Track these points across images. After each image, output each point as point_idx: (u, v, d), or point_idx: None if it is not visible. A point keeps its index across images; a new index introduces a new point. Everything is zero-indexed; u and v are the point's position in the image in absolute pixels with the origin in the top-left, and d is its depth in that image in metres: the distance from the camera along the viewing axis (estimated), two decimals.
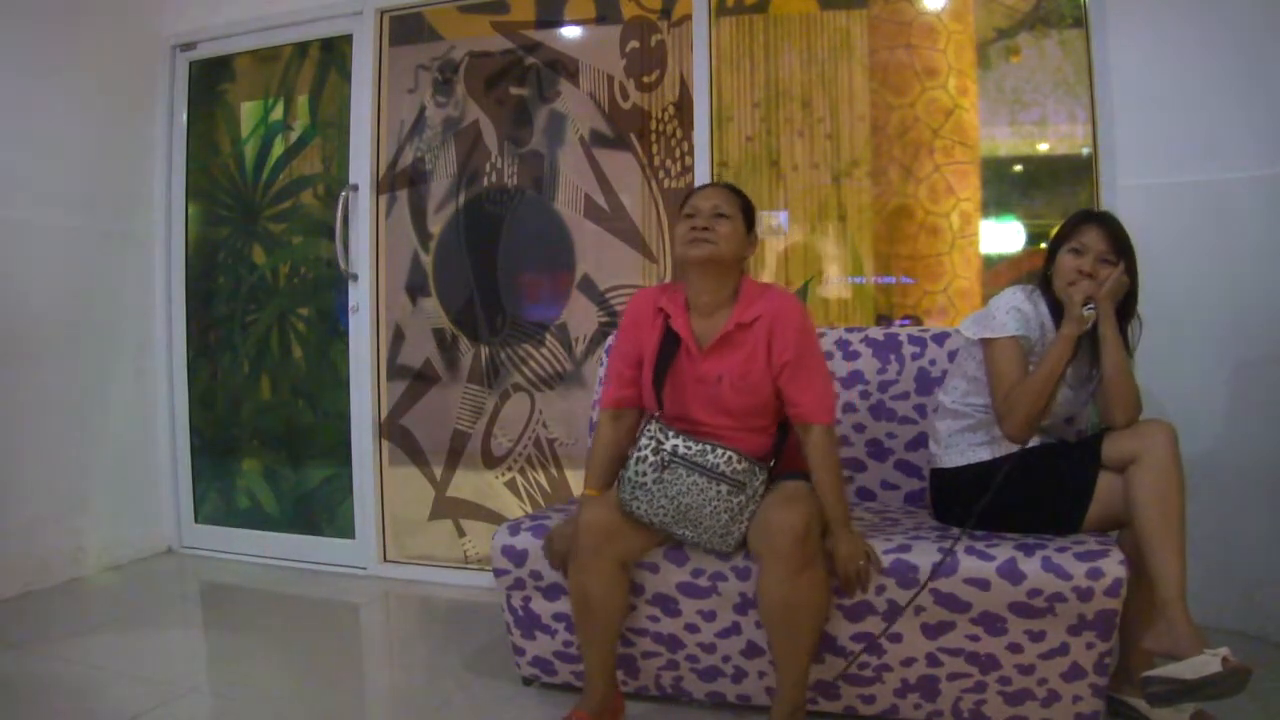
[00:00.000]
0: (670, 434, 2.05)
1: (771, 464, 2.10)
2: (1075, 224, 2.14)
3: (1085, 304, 2.03)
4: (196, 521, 3.83)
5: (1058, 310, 2.11)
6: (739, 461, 2.00)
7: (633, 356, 2.18)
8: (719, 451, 2.00)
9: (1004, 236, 3.01)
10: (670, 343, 2.13)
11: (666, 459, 2.01)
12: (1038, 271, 2.23)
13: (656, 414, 2.10)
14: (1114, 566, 1.87)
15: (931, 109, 2.99)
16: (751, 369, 2.08)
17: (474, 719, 2.27)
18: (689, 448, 2.02)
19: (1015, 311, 2.12)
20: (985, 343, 2.15)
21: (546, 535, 2.19)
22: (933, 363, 2.55)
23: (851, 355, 2.62)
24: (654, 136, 3.21)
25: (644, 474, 2.02)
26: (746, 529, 2.02)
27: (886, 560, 2.00)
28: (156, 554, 3.76)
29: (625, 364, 2.20)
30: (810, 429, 2.07)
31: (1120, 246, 2.09)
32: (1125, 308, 2.11)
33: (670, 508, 2.01)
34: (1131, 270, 2.09)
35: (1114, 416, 2.07)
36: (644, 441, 2.05)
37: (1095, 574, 1.87)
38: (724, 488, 1.99)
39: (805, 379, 2.07)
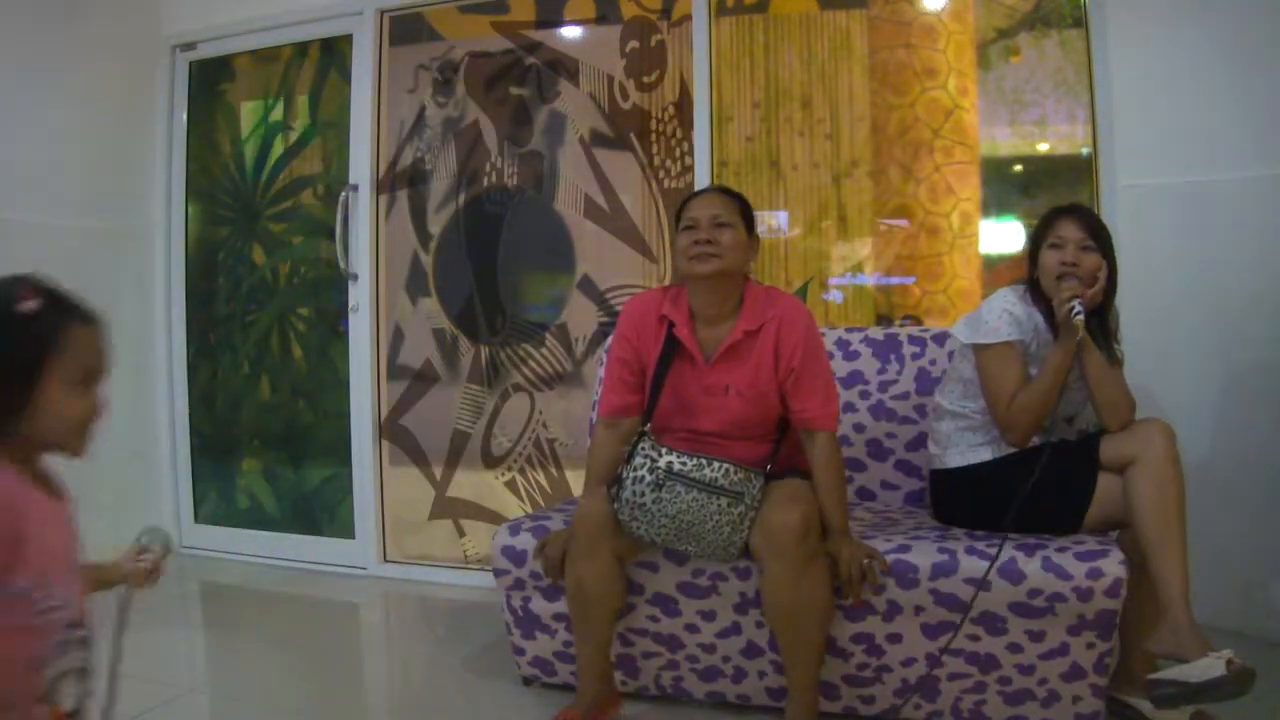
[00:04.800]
0: (663, 450, 2.02)
1: (768, 467, 2.09)
2: (1049, 221, 2.16)
3: (1072, 310, 2.01)
4: (196, 521, 3.83)
5: (1050, 310, 2.10)
6: (736, 472, 1.98)
7: (635, 364, 2.16)
8: (715, 464, 1.98)
9: (1004, 236, 3.01)
10: (674, 352, 2.11)
11: (662, 477, 1.99)
12: (1025, 277, 2.23)
13: (646, 429, 2.09)
14: (1114, 566, 1.87)
15: (931, 109, 2.99)
16: (760, 378, 2.08)
17: (474, 719, 2.27)
18: (684, 463, 1.99)
19: (1007, 314, 2.11)
20: (978, 348, 2.15)
21: (540, 541, 2.17)
22: (933, 363, 2.55)
23: (851, 355, 2.62)
24: (654, 136, 3.21)
25: (641, 494, 1.99)
26: (748, 536, 2.01)
27: (888, 560, 1.99)
28: None
29: (627, 371, 2.16)
30: (815, 435, 2.07)
31: (1095, 232, 2.10)
32: (1103, 299, 2.11)
33: (671, 526, 2.00)
34: (1109, 258, 2.10)
35: (1107, 421, 2.08)
36: (638, 460, 2.02)
37: (1095, 574, 1.87)
38: (723, 500, 1.97)
39: (811, 385, 2.07)
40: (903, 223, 3.00)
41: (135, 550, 1.48)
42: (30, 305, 1.11)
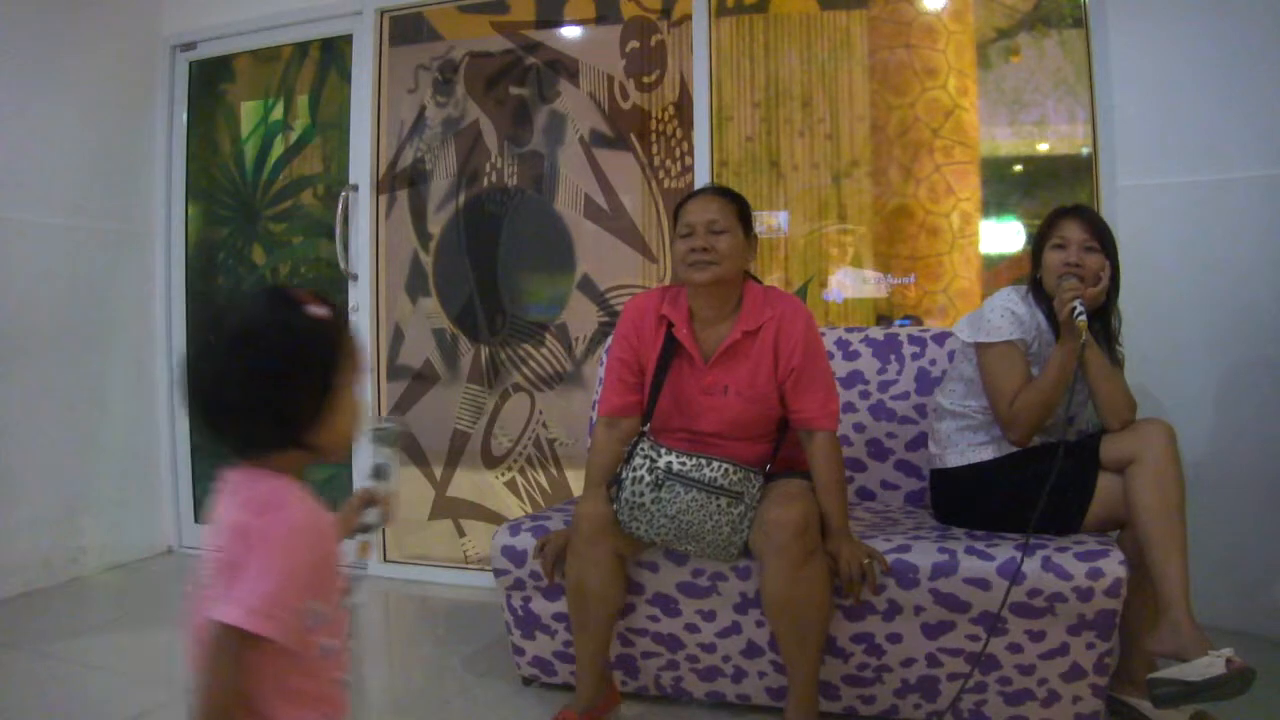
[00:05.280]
0: (662, 451, 2.02)
1: (767, 467, 2.09)
2: (1053, 221, 2.16)
3: (1074, 311, 2.01)
4: (196, 521, 3.82)
5: (1053, 310, 2.10)
6: (735, 472, 1.99)
7: (634, 364, 2.16)
8: (714, 464, 1.98)
9: (1004, 236, 3.01)
10: (673, 353, 2.12)
11: (661, 477, 1.99)
12: (1027, 276, 2.23)
13: (645, 429, 2.09)
14: (1114, 566, 1.87)
15: (931, 109, 2.99)
16: (759, 378, 2.08)
17: (474, 719, 2.27)
18: (683, 463, 1.99)
19: (1009, 314, 2.11)
20: (980, 347, 2.15)
21: (540, 540, 2.17)
22: (933, 363, 2.55)
23: (851, 355, 2.62)
24: (654, 136, 3.21)
25: (641, 494, 2.00)
26: (748, 536, 2.01)
27: (888, 560, 1.99)
28: (157, 554, 3.76)
29: (627, 371, 2.16)
30: (814, 435, 2.07)
31: (1099, 233, 2.10)
32: (1106, 300, 2.11)
33: (671, 526, 2.00)
34: (1112, 259, 2.10)
35: (1107, 421, 2.08)
36: (637, 461, 2.03)
37: (1095, 574, 1.87)
38: (723, 500, 1.97)
39: (810, 385, 2.07)
40: (908, 321, 3.00)
41: (360, 498, 1.35)
42: (323, 311, 1.06)
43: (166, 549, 3.81)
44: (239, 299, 1.09)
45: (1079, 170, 2.86)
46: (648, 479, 2.00)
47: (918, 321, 3.00)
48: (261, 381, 1.03)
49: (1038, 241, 2.18)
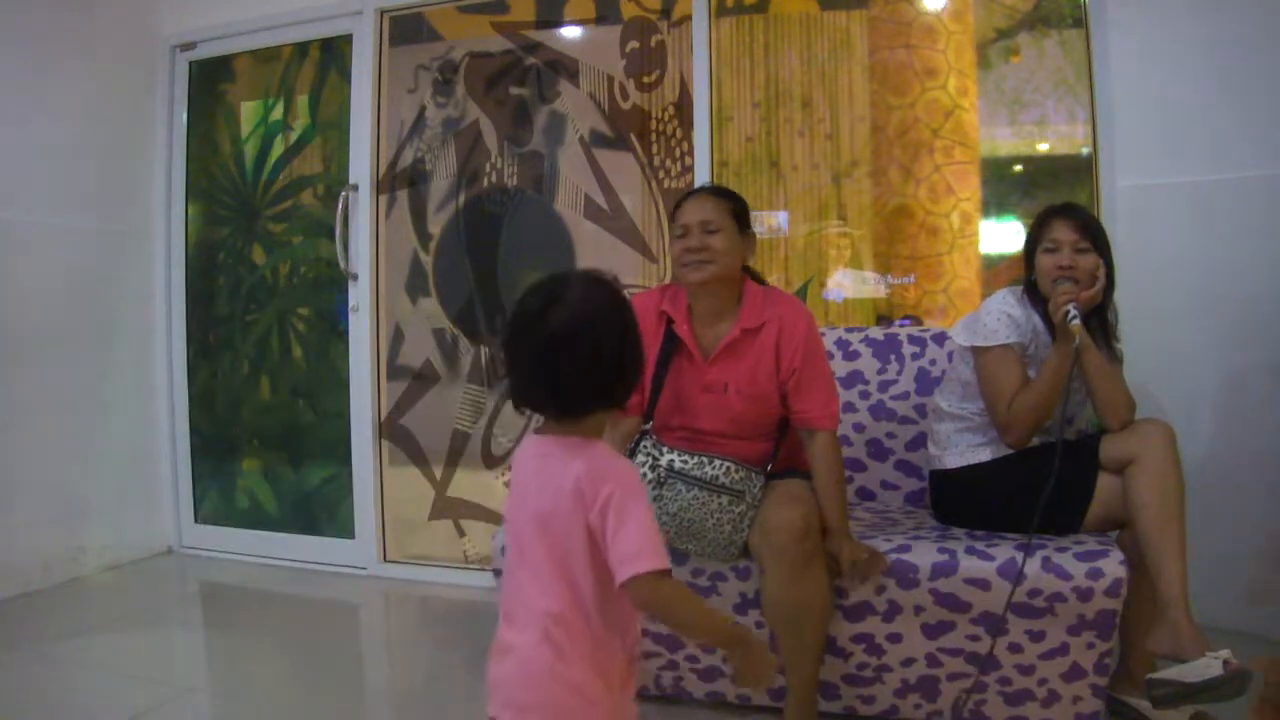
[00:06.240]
0: (664, 449, 2.03)
1: (768, 466, 2.09)
2: (1042, 222, 2.14)
3: (1068, 315, 2.00)
4: (196, 521, 3.83)
5: (1049, 312, 2.10)
6: (736, 470, 1.99)
7: None
8: (716, 462, 1.99)
9: (1004, 236, 3.01)
10: (673, 350, 2.12)
11: (664, 475, 2.00)
12: (1023, 278, 2.22)
13: (647, 428, 2.09)
14: (1114, 566, 1.87)
15: (931, 109, 2.99)
16: (758, 376, 2.08)
17: (474, 719, 2.26)
18: (685, 461, 2.00)
19: (1006, 317, 2.11)
20: (977, 351, 2.15)
21: None
22: (933, 363, 2.55)
23: (851, 355, 2.62)
24: (654, 136, 3.21)
25: None
26: (748, 535, 2.01)
27: (888, 560, 1.99)
28: (156, 554, 3.77)
29: None
30: (815, 435, 2.07)
31: (1090, 232, 2.09)
32: (1102, 297, 2.11)
33: (673, 524, 2.00)
34: (1105, 256, 2.09)
35: (1107, 421, 2.07)
36: (640, 459, 2.03)
37: (1095, 574, 1.87)
38: (724, 498, 1.98)
39: (811, 386, 2.07)
40: (906, 321, 2.99)
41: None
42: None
43: (166, 549, 3.81)
44: (561, 287, 1.31)
45: (1079, 170, 2.86)
46: (650, 477, 2.01)
47: (918, 321, 3.00)
48: (619, 352, 1.27)
49: (1029, 244, 2.17)
